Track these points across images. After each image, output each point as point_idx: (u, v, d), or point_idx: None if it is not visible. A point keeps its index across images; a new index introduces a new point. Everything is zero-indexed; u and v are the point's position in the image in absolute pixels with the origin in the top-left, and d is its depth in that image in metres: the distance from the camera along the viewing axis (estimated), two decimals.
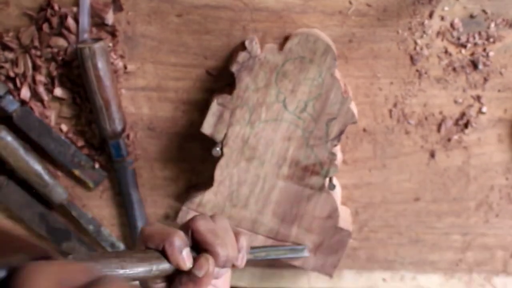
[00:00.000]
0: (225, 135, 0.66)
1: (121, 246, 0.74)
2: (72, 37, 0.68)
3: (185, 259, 0.47)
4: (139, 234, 0.48)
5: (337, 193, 0.70)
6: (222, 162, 0.66)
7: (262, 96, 0.65)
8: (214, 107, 0.65)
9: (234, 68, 0.64)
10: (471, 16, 0.67)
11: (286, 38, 0.66)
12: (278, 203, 0.67)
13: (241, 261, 0.51)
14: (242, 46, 0.64)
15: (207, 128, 0.66)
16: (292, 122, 0.65)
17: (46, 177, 0.70)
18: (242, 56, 0.64)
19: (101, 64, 0.66)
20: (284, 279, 0.76)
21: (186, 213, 0.68)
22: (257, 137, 0.66)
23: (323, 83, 0.64)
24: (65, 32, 0.68)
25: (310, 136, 0.65)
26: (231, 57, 0.68)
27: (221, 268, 0.49)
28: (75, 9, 0.67)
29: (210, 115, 0.65)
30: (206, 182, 0.69)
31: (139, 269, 0.44)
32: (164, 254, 0.46)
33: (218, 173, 0.67)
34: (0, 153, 0.68)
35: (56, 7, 0.67)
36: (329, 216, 0.67)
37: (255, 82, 0.64)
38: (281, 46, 0.64)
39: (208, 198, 0.67)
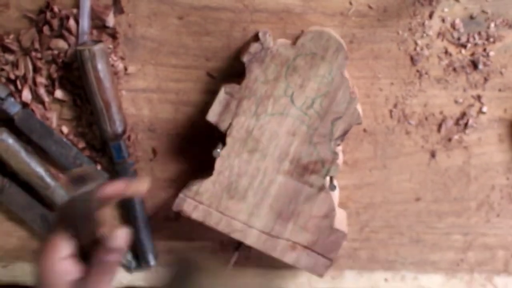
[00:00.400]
0: (230, 124, 0.65)
1: None
2: (73, 39, 0.68)
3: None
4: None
5: (335, 194, 0.70)
6: (223, 152, 0.66)
7: (270, 89, 0.65)
8: (221, 96, 0.65)
9: (245, 58, 0.64)
10: (471, 17, 0.67)
11: (300, 34, 0.66)
12: (276, 198, 0.67)
13: None
14: (255, 37, 0.64)
15: (212, 116, 0.65)
16: (298, 117, 0.65)
17: (48, 179, 0.70)
18: (254, 47, 0.63)
19: (101, 66, 0.66)
20: (284, 280, 0.77)
21: (183, 201, 0.67)
22: (261, 130, 0.65)
23: (332, 81, 0.64)
24: (65, 33, 0.68)
25: (315, 133, 0.65)
26: (241, 49, 0.68)
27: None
28: (75, 11, 0.67)
29: (216, 103, 0.65)
30: (205, 171, 0.69)
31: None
32: None
33: (218, 163, 0.66)
34: (2, 156, 0.68)
35: (55, 9, 0.67)
36: (325, 215, 0.67)
37: (265, 74, 0.64)
38: (294, 41, 0.64)
39: (206, 187, 0.67)
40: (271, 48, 0.63)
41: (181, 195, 0.67)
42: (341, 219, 0.70)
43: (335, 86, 0.64)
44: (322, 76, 0.64)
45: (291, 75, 0.64)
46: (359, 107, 0.65)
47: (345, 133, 0.65)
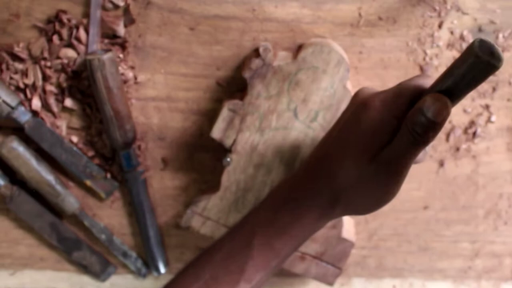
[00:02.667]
0: (234, 141, 0.66)
1: (134, 255, 0.75)
2: (82, 48, 0.68)
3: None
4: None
5: None
6: (229, 168, 0.66)
7: (273, 104, 0.65)
8: (225, 113, 0.65)
9: (246, 75, 0.64)
10: (480, 27, 0.68)
11: (300, 47, 0.66)
12: None
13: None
14: (255, 53, 0.65)
15: (216, 133, 0.66)
16: (302, 131, 0.65)
17: (58, 187, 0.70)
18: (255, 63, 0.64)
19: (110, 75, 0.66)
20: (293, 287, 0.77)
21: (191, 217, 0.68)
22: (266, 144, 0.66)
23: (335, 94, 0.64)
24: (75, 42, 0.68)
25: None
26: (242, 65, 0.68)
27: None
28: (85, 21, 0.67)
29: (220, 120, 0.65)
30: (213, 186, 0.69)
31: None
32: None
33: (225, 178, 0.67)
34: (12, 164, 0.69)
35: (64, 20, 0.67)
36: (333, 226, 0.67)
37: (267, 89, 0.64)
38: (295, 55, 0.64)
39: (213, 202, 0.67)
40: (272, 64, 0.64)
41: (188, 211, 0.68)
42: (348, 228, 0.70)
43: (338, 99, 0.64)
44: (325, 89, 0.64)
45: (294, 90, 0.64)
46: None
47: None
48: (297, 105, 0.65)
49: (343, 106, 0.64)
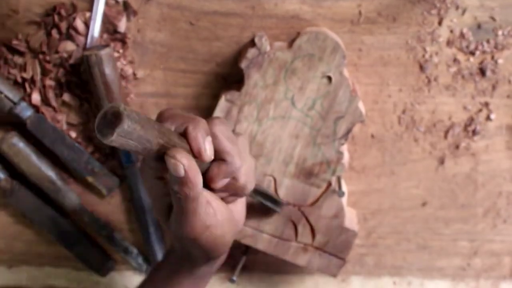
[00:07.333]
0: (233, 131, 0.65)
1: (135, 251, 0.75)
2: (80, 39, 0.68)
3: (207, 147, 0.44)
4: (158, 117, 0.45)
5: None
6: None
7: (270, 93, 0.65)
8: (222, 103, 0.65)
9: (243, 64, 0.64)
10: (480, 25, 0.68)
11: (296, 37, 0.66)
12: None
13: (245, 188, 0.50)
14: (251, 43, 0.64)
15: None
16: (300, 119, 0.65)
17: (59, 183, 0.70)
18: (251, 52, 0.63)
19: (108, 70, 0.66)
20: (292, 285, 0.77)
21: None
22: (264, 134, 0.66)
23: (332, 81, 0.64)
24: (73, 33, 0.67)
25: (318, 134, 0.65)
26: (238, 55, 0.68)
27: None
28: (87, 14, 0.67)
29: (218, 111, 0.65)
30: None
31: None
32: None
33: None
34: (13, 160, 0.68)
35: (63, 13, 0.67)
36: (335, 215, 0.67)
37: (263, 78, 0.64)
38: (290, 43, 0.64)
39: None
40: (268, 53, 0.63)
41: None
42: (351, 218, 0.70)
43: (335, 86, 0.64)
44: (321, 76, 0.64)
45: (290, 78, 0.64)
46: (361, 105, 0.65)
47: (348, 132, 0.65)
48: (294, 94, 0.64)
49: (340, 93, 0.64)
